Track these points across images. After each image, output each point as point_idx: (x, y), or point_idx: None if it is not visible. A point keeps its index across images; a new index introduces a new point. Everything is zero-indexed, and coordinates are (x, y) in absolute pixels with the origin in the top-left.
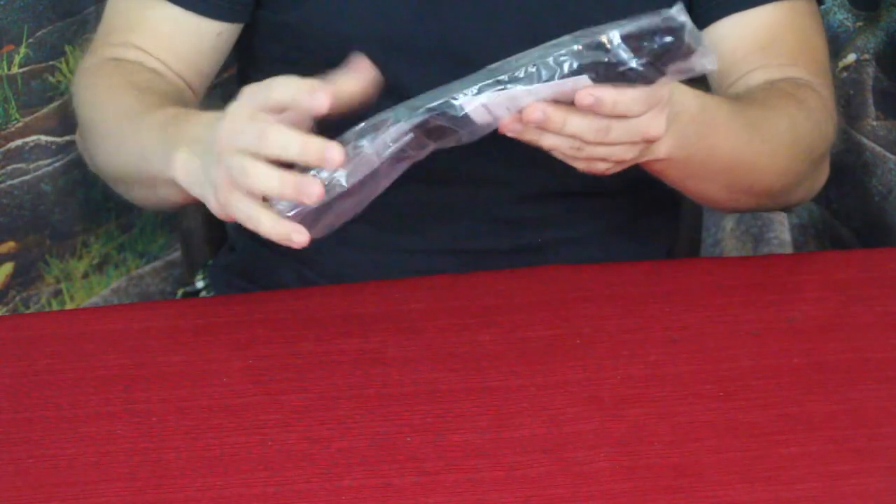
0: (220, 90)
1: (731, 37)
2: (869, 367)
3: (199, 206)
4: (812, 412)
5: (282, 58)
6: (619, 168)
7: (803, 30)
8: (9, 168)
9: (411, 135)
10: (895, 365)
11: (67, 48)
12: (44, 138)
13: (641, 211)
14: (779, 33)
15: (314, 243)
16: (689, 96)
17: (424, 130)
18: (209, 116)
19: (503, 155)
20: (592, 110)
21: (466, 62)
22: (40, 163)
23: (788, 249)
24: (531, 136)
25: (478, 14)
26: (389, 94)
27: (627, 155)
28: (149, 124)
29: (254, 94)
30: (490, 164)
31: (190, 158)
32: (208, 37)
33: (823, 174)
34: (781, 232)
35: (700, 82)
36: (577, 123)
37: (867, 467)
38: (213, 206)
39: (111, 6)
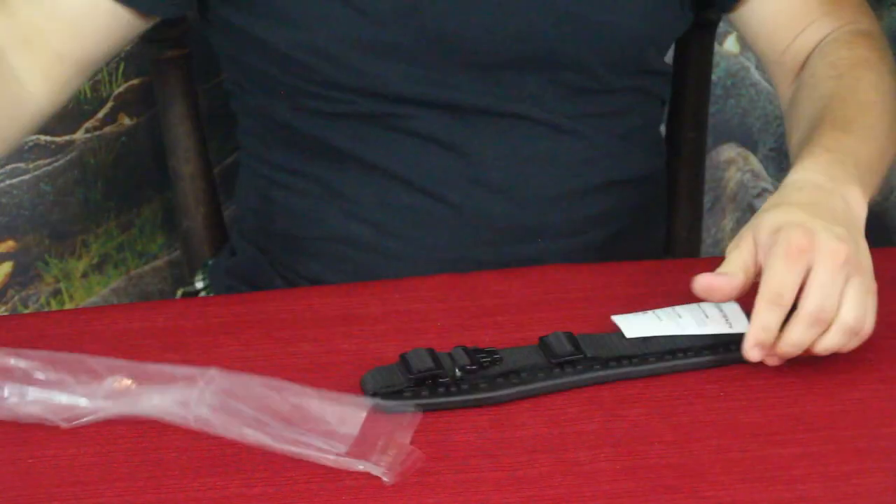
0: (205, 97)
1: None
2: (869, 367)
3: (198, 206)
4: (812, 412)
5: (266, 68)
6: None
7: None
8: (8, 167)
9: None
10: (895, 365)
11: None
12: (43, 138)
13: (638, 212)
14: None
15: (314, 250)
16: (801, 186)
17: None
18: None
19: (502, 160)
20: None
21: (448, 58)
22: (40, 162)
23: None
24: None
25: (456, 8)
26: (375, 96)
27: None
28: None
29: None
30: (489, 168)
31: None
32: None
33: None
34: None
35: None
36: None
37: (867, 467)
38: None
39: None
